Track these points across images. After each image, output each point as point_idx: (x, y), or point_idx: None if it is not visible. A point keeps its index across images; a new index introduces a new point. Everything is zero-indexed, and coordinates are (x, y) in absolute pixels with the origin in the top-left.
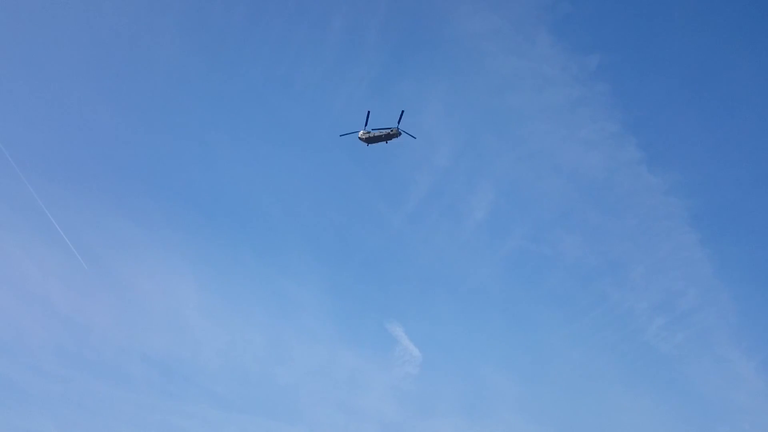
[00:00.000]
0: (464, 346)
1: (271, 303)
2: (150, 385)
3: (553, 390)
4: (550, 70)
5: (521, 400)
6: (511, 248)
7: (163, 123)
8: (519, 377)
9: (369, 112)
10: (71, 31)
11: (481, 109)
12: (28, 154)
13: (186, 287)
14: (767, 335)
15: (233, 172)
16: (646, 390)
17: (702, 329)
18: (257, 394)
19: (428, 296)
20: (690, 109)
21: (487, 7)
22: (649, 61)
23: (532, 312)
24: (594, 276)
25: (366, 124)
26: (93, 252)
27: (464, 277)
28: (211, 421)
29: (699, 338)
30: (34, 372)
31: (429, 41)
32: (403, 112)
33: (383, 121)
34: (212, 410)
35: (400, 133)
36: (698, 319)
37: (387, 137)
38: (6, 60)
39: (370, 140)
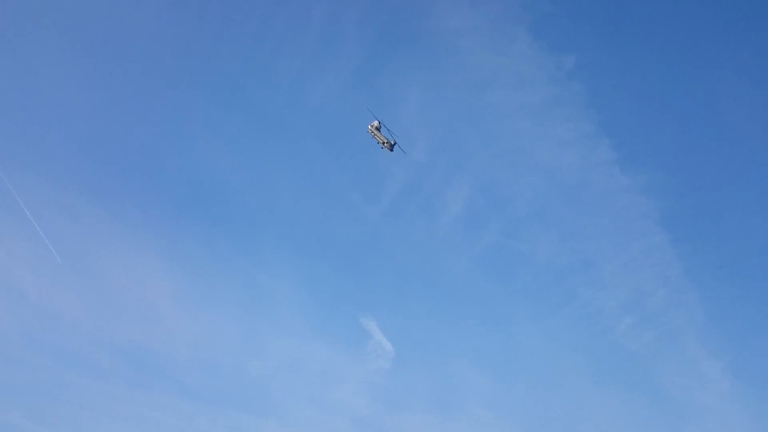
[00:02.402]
0: (437, 341)
1: (245, 295)
2: (120, 376)
3: (524, 386)
4: (528, 69)
5: (492, 396)
6: (487, 244)
7: (139, 114)
8: (491, 373)
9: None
10: (42, 21)
11: (459, 105)
12: (1, 146)
13: (159, 278)
14: (734, 337)
15: (209, 163)
16: (614, 388)
17: (670, 329)
18: (229, 387)
19: (403, 291)
20: (663, 111)
21: (467, 3)
22: (624, 62)
23: (505, 308)
24: (566, 273)
25: (381, 121)
26: (65, 242)
27: (439, 272)
28: (181, 412)
29: (667, 338)
30: (4, 360)
31: (409, 36)
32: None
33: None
34: (182, 402)
35: (392, 150)
36: (667, 319)
37: (383, 143)
38: None
39: (374, 135)
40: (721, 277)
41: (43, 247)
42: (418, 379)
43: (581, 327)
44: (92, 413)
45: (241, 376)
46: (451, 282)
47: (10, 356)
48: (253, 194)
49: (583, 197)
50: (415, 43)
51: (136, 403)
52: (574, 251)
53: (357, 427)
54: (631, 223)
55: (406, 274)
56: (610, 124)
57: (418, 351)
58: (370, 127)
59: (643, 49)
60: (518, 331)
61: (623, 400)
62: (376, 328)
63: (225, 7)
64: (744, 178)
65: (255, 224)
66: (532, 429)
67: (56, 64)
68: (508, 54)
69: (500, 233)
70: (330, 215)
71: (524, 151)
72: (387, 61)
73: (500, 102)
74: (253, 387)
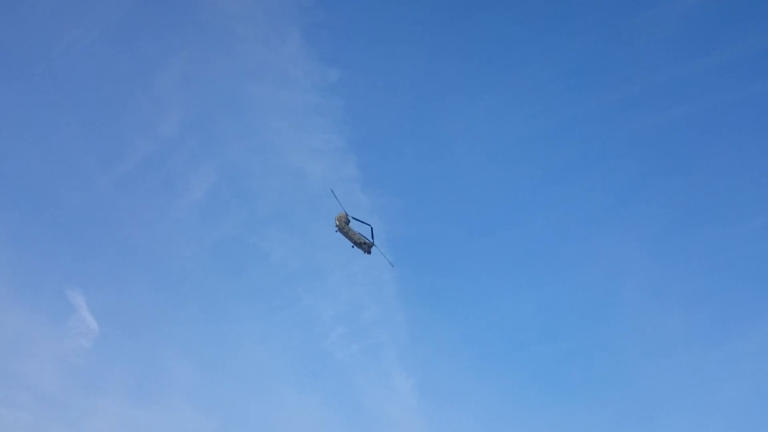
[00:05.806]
0: (149, 326)
1: None
2: None
3: (230, 382)
4: (295, 72)
5: (196, 389)
6: (223, 235)
7: None
8: (200, 366)
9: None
10: None
11: (219, 89)
12: None
13: None
14: (426, 358)
15: None
16: (317, 392)
17: (375, 344)
18: None
19: (123, 269)
20: (409, 141)
21: None
22: (383, 87)
23: (228, 302)
24: (295, 278)
25: (349, 216)
26: None
27: (167, 255)
28: None
29: (371, 351)
30: None
31: (180, 3)
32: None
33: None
34: None
35: (370, 251)
36: (374, 333)
37: (358, 243)
38: None
39: (342, 229)
40: (426, 302)
41: None
42: (119, 363)
43: (298, 331)
44: None
45: None
46: (177, 268)
47: None
48: None
49: (323, 207)
50: (185, 14)
51: None
52: (307, 257)
53: (41, 405)
54: None
55: (130, 252)
56: (359, 143)
57: (127, 334)
58: (336, 221)
59: (402, 79)
60: (236, 327)
61: (322, 405)
62: (83, 304)
63: None
64: (461, 214)
65: None
66: (226, 424)
67: None
68: (278, 52)
69: (240, 226)
70: (54, 172)
71: (277, 150)
72: (152, 23)
73: (262, 96)
74: None
